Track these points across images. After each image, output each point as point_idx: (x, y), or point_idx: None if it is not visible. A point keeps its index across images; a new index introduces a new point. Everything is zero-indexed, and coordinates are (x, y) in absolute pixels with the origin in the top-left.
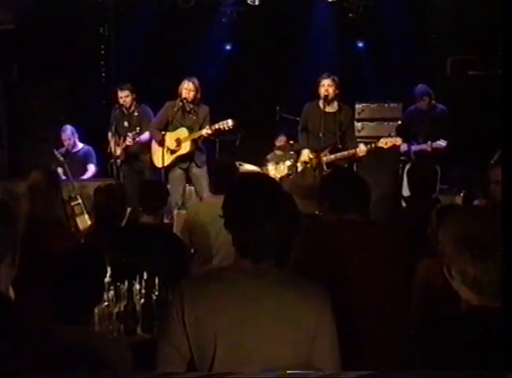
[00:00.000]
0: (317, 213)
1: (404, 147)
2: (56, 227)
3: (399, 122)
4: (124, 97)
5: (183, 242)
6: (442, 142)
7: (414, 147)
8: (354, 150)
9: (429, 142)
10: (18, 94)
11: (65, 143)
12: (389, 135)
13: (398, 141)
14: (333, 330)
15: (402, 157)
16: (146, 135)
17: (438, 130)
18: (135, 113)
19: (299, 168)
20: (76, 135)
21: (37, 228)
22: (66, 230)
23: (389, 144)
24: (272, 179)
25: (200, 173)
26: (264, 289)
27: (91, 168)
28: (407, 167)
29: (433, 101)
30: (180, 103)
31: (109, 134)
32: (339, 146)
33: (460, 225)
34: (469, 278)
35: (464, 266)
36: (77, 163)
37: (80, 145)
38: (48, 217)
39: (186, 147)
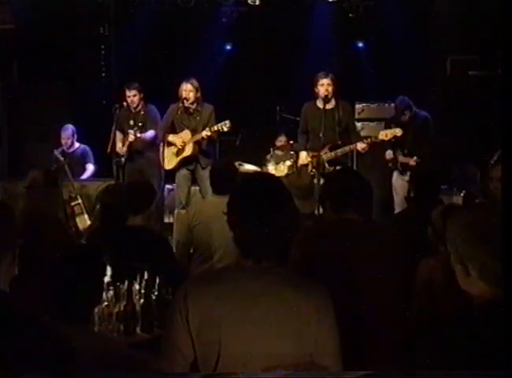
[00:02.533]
0: (315, 212)
1: (390, 154)
2: (54, 226)
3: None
4: (132, 96)
5: (168, 242)
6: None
7: (401, 158)
8: (354, 145)
9: (415, 158)
10: (18, 94)
11: (63, 142)
12: (389, 127)
13: (398, 132)
14: (334, 328)
15: (389, 165)
16: (151, 133)
17: (420, 139)
18: (141, 112)
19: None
20: (75, 136)
21: (35, 228)
22: (64, 230)
23: (390, 136)
24: (277, 179)
25: (205, 175)
26: (266, 288)
27: (90, 168)
28: (394, 174)
29: (414, 110)
30: (181, 104)
31: (116, 133)
32: (339, 143)
33: (474, 222)
34: (487, 272)
35: (483, 260)
36: (75, 163)
37: (77, 144)
38: (46, 217)
39: (189, 150)
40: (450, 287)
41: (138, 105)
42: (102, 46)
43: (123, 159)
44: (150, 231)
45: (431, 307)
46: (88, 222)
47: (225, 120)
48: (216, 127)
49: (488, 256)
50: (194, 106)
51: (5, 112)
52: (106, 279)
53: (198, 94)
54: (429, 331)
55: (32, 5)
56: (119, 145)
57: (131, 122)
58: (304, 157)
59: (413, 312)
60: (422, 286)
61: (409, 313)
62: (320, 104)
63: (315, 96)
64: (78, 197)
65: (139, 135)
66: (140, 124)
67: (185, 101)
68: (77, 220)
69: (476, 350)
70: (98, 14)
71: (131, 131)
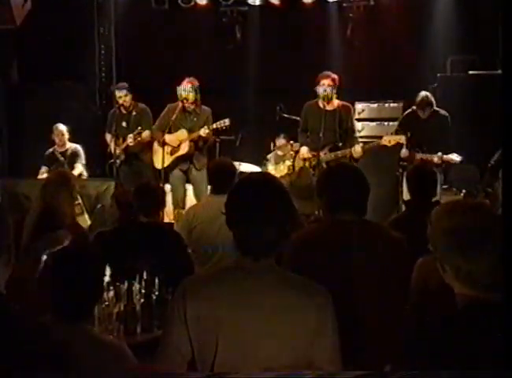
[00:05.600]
0: (316, 213)
1: (405, 153)
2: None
3: (396, 123)
4: (124, 96)
5: (181, 236)
6: (456, 157)
7: (419, 155)
8: (348, 150)
9: (440, 154)
10: (18, 94)
11: (56, 141)
12: (394, 133)
13: (402, 139)
14: (334, 329)
15: (403, 163)
16: (146, 134)
17: (440, 137)
18: (134, 113)
19: (296, 166)
20: (67, 135)
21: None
22: (79, 225)
23: (393, 142)
24: (276, 179)
25: (199, 176)
26: (265, 288)
27: (78, 167)
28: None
29: (434, 108)
30: (181, 104)
31: (108, 135)
32: (340, 145)
33: (449, 220)
34: (461, 272)
35: (456, 261)
36: (66, 162)
37: (68, 144)
38: (62, 213)
39: (185, 148)
40: (446, 286)
41: (130, 106)
42: (102, 46)
43: (118, 161)
44: (163, 228)
45: (427, 306)
46: (88, 222)
47: (224, 119)
48: (215, 125)
49: (461, 259)
50: (192, 107)
51: (5, 112)
52: (106, 279)
53: (198, 95)
54: (427, 331)
55: (32, 5)
56: (113, 147)
57: (124, 124)
58: (305, 151)
59: (410, 312)
60: (418, 285)
61: (407, 312)
62: (321, 104)
63: (317, 96)
64: (78, 197)
65: (139, 138)
66: (139, 128)
67: (184, 101)
68: (77, 220)
69: (472, 350)
70: (98, 14)
71: (130, 135)
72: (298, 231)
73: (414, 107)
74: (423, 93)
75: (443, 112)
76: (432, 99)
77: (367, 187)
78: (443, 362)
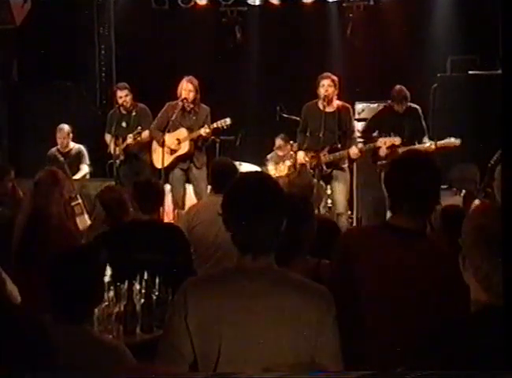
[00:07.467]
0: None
1: (384, 151)
2: (57, 222)
3: (365, 124)
4: (124, 96)
5: (182, 231)
6: (454, 140)
7: (400, 150)
8: (346, 151)
9: (432, 141)
10: (18, 94)
11: (59, 142)
12: (362, 131)
13: (397, 140)
14: (335, 328)
15: (381, 162)
16: (146, 134)
17: (417, 129)
18: (133, 113)
19: (297, 166)
20: (71, 135)
21: (39, 223)
22: (66, 226)
23: (388, 144)
24: (270, 177)
25: (199, 175)
26: (266, 289)
27: (84, 168)
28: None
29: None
30: (180, 103)
31: (108, 135)
32: (339, 146)
33: (483, 219)
34: (481, 273)
35: (479, 260)
36: (70, 163)
37: (72, 144)
38: (49, 214)
39: (185, 147)
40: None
41: (130, 106)
42: (102, 46)
43: (118, 161)
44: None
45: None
46: (88, 222)
47: (225, 118)
48: (216, 125)
49: (484, 259)
50: (192, 106)
51: (5, 112)
52: (106, 279)
53: (198, 94)
54: (439, 333)
55: (32, 5)
56: (113, 147)
57: (124, 124)
58: (302, 157)
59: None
60: None
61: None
62: (321, 105)
63: (317, 97)
64: (78, 197)
65: (138, 138)
66: (139, 128)
67: (184, 100)
68: (77, 220)
69: (473, 350)
70: (98, 14)
71: (130, 135)
72: (350, 229)
73: (389, 102)
74: (398, 86)
75: (414, 105)
76: (408, 93)
77: (427, 186)
78: (452, 364)
